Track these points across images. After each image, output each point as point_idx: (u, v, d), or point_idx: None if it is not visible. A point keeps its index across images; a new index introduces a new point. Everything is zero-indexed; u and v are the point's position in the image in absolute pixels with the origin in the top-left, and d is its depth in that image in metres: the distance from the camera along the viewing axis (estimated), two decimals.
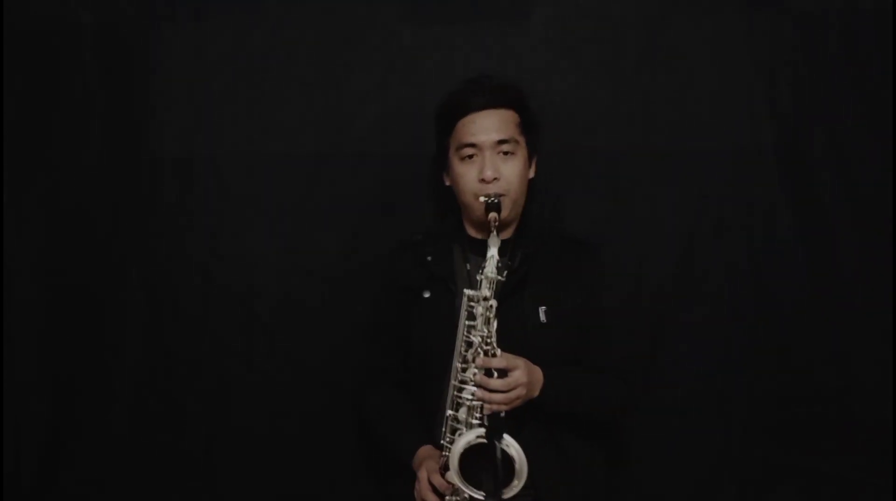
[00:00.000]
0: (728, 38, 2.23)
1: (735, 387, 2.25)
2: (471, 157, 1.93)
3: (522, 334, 1.88)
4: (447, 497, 1.80)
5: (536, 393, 1.83)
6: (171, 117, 2.29)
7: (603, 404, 1.97)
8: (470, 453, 1.75)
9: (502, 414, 1.78)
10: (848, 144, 2.22)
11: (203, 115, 2.28)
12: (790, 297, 2.24)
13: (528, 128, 1.99)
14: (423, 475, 1.84)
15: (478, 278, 1.80)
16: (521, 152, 1.96)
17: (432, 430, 1.90)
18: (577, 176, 2.27)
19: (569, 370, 1.92)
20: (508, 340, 1.84)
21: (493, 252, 1.80)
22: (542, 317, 1.91)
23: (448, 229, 2.06)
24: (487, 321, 1.78)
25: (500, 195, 1.89)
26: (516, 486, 1.72)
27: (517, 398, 1.78)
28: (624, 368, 2.00)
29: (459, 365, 1.82)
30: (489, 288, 1.78)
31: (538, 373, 1.83)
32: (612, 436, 2.09)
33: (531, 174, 2.02)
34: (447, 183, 2.03)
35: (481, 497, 1.70)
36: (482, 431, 1.75)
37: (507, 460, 1.72)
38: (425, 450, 1.90)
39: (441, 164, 2.04)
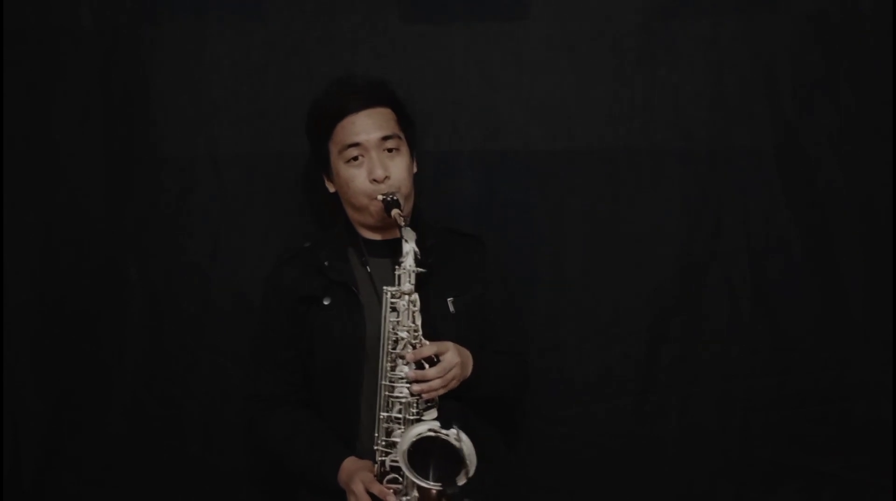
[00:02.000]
0: (728, 38, 2.23)
1: (735, 387, 2.25)
2: (356, 159, 1.92)
3: (435, 326, 1.87)
4: (391, 499, 1.74)
5: (469, 373, 1.84)
6: (171, 117, 2.29)
7: (516, 383, 2.05)
8: (418, 449, 1.71)
9: (436, 403, 1.78)
10: (848, 144, 2.22)
11: (203, 115, 2.28)
12: (790, 297, 2.24)
13: (406, 124, 2.00)
14: (358, 487, 1.77)
15: (396, 272, 1.80)
16: (405, 148, 1.97)
17: (351, 443, 1.87)
18: (577, 176, 2.27)
19: (488, 353, 1.95)
20: (424, 333, 1.83)
21: (411, 245, 1.80)
22: (451, 307, 1.93)
23: (339, 233, 2.02)
24: (412, 315, 1.79)
25: (395, 193, 1.88)
26: (469, 472, 1.67)
27: (454, 378, 1.79)
28: (522, 350, 2.07)
29: (388, 365, 1.81)
30: (409, 281, 1.79)
31: (465, 352, 1.85)
32: (507, 413, 2.15)
33: (415, 169, 2.02)
34: (332, 189, 2.01)
35: (438, 488, 1.65)
36: (428, 425, 1.73)
37: (452, 449, 1.70)
38: (350, 462, 1.84)
39: (322, 170, 2.02)
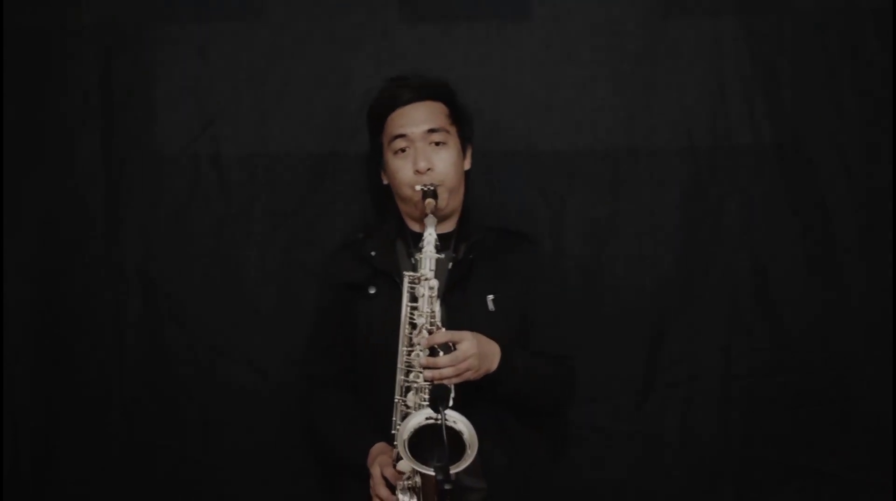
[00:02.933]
0: (728, 38, 2.23)
1: (735, 387, 2.25)
2: (403, 150, 1.95)
3: (472, 322, 1.87)
4: (399, 483, 1.77)
5: (494, 367, 1.83)
6: (171, 117, 2.29)
7: (554, 384, 1.99)
8: (422, 435, 1.72)
9: (450, 388, 1.75)
10: (848, 144, 2.22)
11: (204, 115, 2.28)
12: (790, 297, 2.24)
13: (459, 119, 2.01)
14: (375, 471, 1.83)
15: (417, 257, 1.82)
16: (454, 142, 1.97)
17: (387, 426, 1.87)
18: (577, 176, 2.27)
19: (522, 350, 1.93)
20: (460, 328, 1.83)
21: (430, 231, 1.83)
22: (490, 306, 1.93)
23: (390, 226, 2.05)
24: (430, 301, 1.80)
25: (436, 185, 1.89)
26: (469, 456, 1.67)
27: (468, 369, 1.77)
28: (567, 354, 2.02)
29: (405, 349, 1.82)
30: (430, 267, 1.80)
31: (493, 346, 1.84)
32: (553, 421, 2.12)
33: (467, 166, 2.03)
34: (385, 182, 2.04)
35: (430, 473, 1.64)
36: (427, 412, 1.73)
37: (455, 434, 1.69)
38: (378, 447, 1.89)
39: (377, 163, 2.04)
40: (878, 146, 2.22)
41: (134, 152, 2.30)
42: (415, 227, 2.00)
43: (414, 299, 1.82)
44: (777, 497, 2.25)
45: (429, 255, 1.82)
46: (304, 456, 2.28)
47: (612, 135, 2.25)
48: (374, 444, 1.90)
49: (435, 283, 1.80)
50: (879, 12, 2.21)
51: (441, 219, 1.93)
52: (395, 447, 1.81)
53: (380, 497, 1.81)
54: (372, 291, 1.95)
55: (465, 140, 2.02)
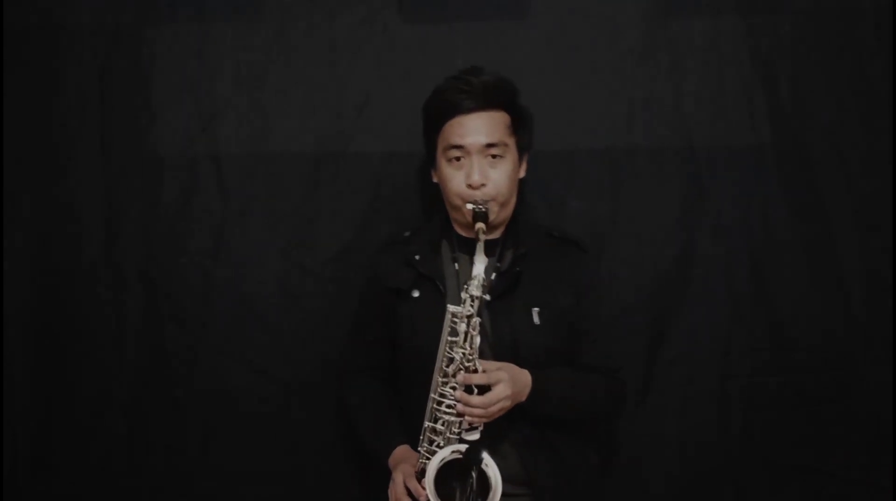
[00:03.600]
0: (728, 38, 2.23)
1: (735, 387, 2.25)
2: (458, 159, 1.91)
3: (515, 336, 1.87)
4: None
5: (524, 399, 1.82)
6: (171, 117, 2.29)
7: (594, 404, 1.97)
8: (446, 467, 1.75)
9: (479, 426, 1.77)
10: (848, 144, 2.22)
11: (203, 115, 2.28)
12: (790, 297, 2.24)
13: (519, 128, 1.96)
14: (399, 477, 1.83)
15: (462, 295, 1.78)
16: (511, 154, 1.94)
17: (417, 428, 1.87)
18: (577, 176, 2.27)
19: (559, 372, 1.91)
20: (501, 342, 1.85)
21: (478, 270, 1.77)
22: (536, 319, 1.90)
23: (436, 225, 2.03)
24: (470, 339, 1.77)
25: (488, 201, 1.87)
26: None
27: (499, 411, 1.77)
28: (616, 367, 2.00)
29: (440, 379, 1.81)
30: (472, 306, 1.76)
31: (524, 378, 1.82)
32: (606, 437, 2.11)
33: (521, 174, 2.00)
34: (435, 180, 2.01)
35: None
36: (459, 447, 1.75)
37: (484, 479, 1.72)
38: (402, 451, 1.89)
39: (429, 160, 2.02)
40: (878, 146, 2.22)
41: (133, 152, 2.30)
42: (460, 230, 1.99)
43: (454, 333, 1.79)
44: (777, 497, 2.25)
45: (473, 294, 1.76)
46: (304, 456, 2.28)
47: (612, 135, 2.25)
48: (398, 443, 1.91)
49: (476, 321, 1.77)
50: (879, 12, 2.21)
51: (489, 229, 1.88)
52: (418, 452, 1.83)
53: None
54: (415, 294, 1.94)
55: (522, 148, 1.98)
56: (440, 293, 1.92)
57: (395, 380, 2.02)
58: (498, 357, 1.86)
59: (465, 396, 1.75)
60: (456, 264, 1.96)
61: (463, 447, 1.76)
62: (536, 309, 1.90)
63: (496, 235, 1.97)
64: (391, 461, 1.90)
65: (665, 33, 2.24)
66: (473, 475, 1.70)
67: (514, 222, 2.00)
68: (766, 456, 2.25)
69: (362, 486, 2.23)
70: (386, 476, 1.90)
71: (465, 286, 1.78)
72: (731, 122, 2.24)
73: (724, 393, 2.25)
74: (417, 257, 1.96)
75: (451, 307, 1.80)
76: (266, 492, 2.29)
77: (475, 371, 1.77)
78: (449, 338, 1.80)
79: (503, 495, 1.76)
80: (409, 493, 1.80)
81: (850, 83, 2.22)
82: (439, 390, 1.80)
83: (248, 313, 2.28)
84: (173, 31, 2.28)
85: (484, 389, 1.76)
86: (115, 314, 2.30)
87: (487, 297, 1.81)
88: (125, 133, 2.29)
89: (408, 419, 1.92)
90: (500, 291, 1.89)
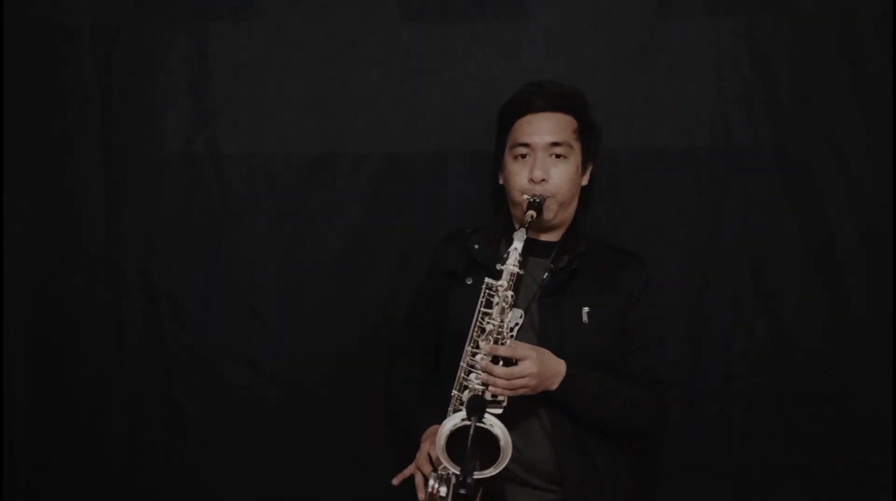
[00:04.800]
0: (728, 38, 2.23)
1: (735, 387, 2.25)
2: (524, 156, 1.97)
3: (563, 332, 1.91)
4: (439, 469, 1.82)
5: (554, 387, 1.84)
6: (171, 117, 2.29)
7: (630, 411, 1.95)
8: (462, 434, 1.74)
9: (502, 401, 1.80)
10: (848, 144, 2.22)
11: (204, 114, 2.28)
12: (790, 297, 2.24)
13: (585, 135, 2.02)
14: (424, 446, 1.90)
15: (498, 267, 1.86)
16: (574, 158, 1.99)
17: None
18: None
19: (597, 372, 1.91)
20: (549, 337, 1.89)
21: (516, 244, 1.85)
22: (585, 318, 1.93)
23: (499, 223, 2.08)
24: (502, 310, 1.83)
25: (546, 197, 1.92)
26: (501, 464, 1.73)
27: (522, 387, 1.80)
28: (660, 380, 1.99)
29: (470, 349, 1.86)
30: (508, 279, 1.83)
31: (558, 366, 1.85)
32: (645, 459, 2.11)
33: (585, 181, 2.04)
34: (500, 181, 2.06)
35: (456, 472, 1.72)
36: (462, 415, 1.76)
37: (491, 438, 1.73)
38: (433, 428, 1.91)
39: (497, 162, 2.07)
40: (878, 146, 2.22)
41: (133, 152, 2.30)
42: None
43: (489, 305, 1.85)
44: (777, 497, 2.25)
45: (509, 267, 1.84)
46: (304, 456, 2.28)
47: (611, 135, 2.24)
48: (433, 422, 1.93)
49: (509, 294, 1.83)
50: (879, 13, 2.21)
51: (548, 229, 1.98)
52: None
53: (421, 472, 1.87)
54: (469, 281, 1.98)
55: (587, 157, 2.04)
56: None
57: (440, 366, 2.04)
58: None
59: (490, 365, 1.80)
60: (498, 266, 1.96)
61: (462, 414, 1.76)
62: (586, 309, 1.94)
63: (554, 237, 2.01)
64: (423, 437, 1.94)
65: (665, 33, 2.24)
66: (471, 424, 1.68)
67: (573, 228, 2.04)
68: (766, 456, 2.25)
69: (363, 486, 2.23)
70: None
71: (503, 258, 1.86)
72: (731, 122, 2.24)
73: (724, 393, 2.25)
74: (476, 247, 2.01)
75: (488, 280, 1.87)
76: (266, 492, 2.29)
77: (503, 344, 1.82)
78: (483, 309, 1.86)
79: (533, 487, 1.82)
80: (431, 462, 1.86)
81: (850, 83, 2.22)
82: (468, 360, 1.86)
83: (248, 313, 2.28)
84: (173, 31, 2.28)
85: (510, 364, 1.80)
86: (115, 313, 2.30)
87: (522, 271, 1.86)
88: (125, 133, 2.29)
89: (448, 402, 1.93)
90: (553, 287, 1.93)
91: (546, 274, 1.95)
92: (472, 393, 1.82)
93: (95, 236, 2.29)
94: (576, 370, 1.86)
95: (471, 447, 1.66)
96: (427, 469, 1.86)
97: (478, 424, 1.69)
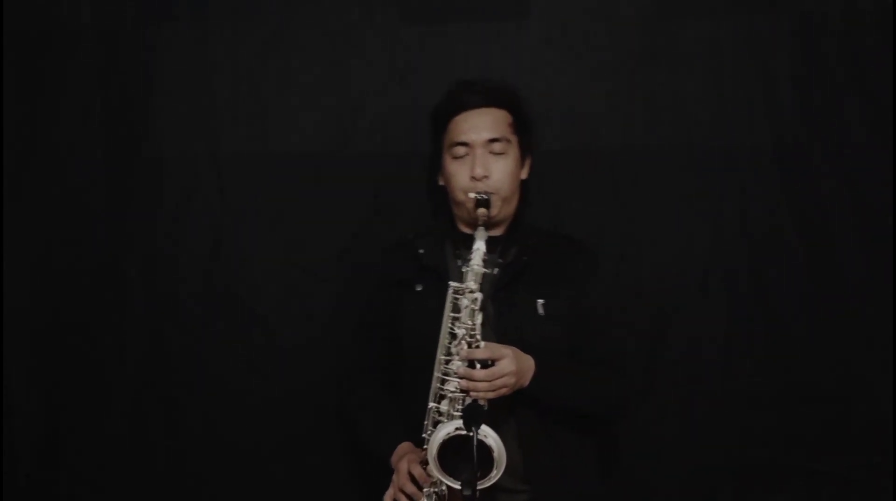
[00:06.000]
0: (728, 38, 2.23)
1: (735, 387, 2.25)
2: (463, 156, 1.95)
3: (521, 326, 1.89)
4: (425, 489, 1.78)
5: (527, 383, 1.82)
6: (171, 117, 2.29)
7: (598, 397, 1.96)
8: (450, 445, 1.73)
9: (483, 405, 1.75)
10: (848, 144, 2.22)
11: (203, 114, 2.28)
12: (790, 297, 2.24)
13: (522, 128, 2.00)
14: (403, 466, 1.83)
15: (463, 270, 1.83)
16: (513, 152, 1.97)
17: (417, 427, 1.86)
18: (577, 176, 2.27)
19: (563, 361, 1.92)
20: (507, 333, 1.86)
21: (479, 245, 1.83)
22: (540, 310, 1.92)
23: (441, 226, 2.06)
24: (472, 314, 1.79)
25: (490, 193, 1.90)
26: (494, 476, 1.70)
27: (503, 386, 1.77)
28: (620, 362, 2.00)
29: (443, 358, 1.82)
30: (475, 280, 1.80)
31: (528, 362, 1.83)
32: (605, 430, 2.11)
33: (524, 175, 2.03)
34: (441, 183, 2.04)
35: (457, 487, 1.67)
36: (461, 423, 1.73)
37: (485, 449, 1.70)
38: (405, 447, 1.90)
39: (436, 164, 2.04)
40: (878, 146, 2.22)
41: (133, 152, 2.30)
42: (464, 229, 2.00)
43: (457, 309, 1.81)
44: (777, 497, 2.25)
45: (475, 268, 1.81)
46: (304, 456, 2.28)
47: (612, 135, 2.25)
48: (401, 441, 1.91)
49: (479, 296, 1.80)
50: (879, 12, 2.21)
51: (492, 225, 1.94)
52: (423, 449, 1.81)
53: (405, 493, 1.81)
54: (419, 288, 1.96)
55: (525, 150, 2.02)
56: (443, 287, 1.90)
57: (398, 381, 2.01)
58: None
59: (469, 370, 1.76)
60: (459, 261, 1.96)
61: (457, 423, 1.74)
62: (541, 301, 1.92)
63: (499, 232, 1.99)
64: (393, 457, 1.89)
65: (665, 33, 2.24)
66: (473, 435, 1.65)
67: (516, 222, 2.02)
68: (766, 456, 2.25)
69: (362, 486, 2.23)
70: (383, 476, 1.89)
71: (468, 259, 1.82)
72: (731, 122, 2.24)
73: (724, 393, 2.25)
74: (421, 251, 1.99)
75: (452, 284, 1.83)
76: (266, 492, 2.29)
77: (477, 347, 1.78)
78: (451, 314, 1.82)
79: (503, 490, 1.76)
80: (413, 480, 1.80)
81: (849, 83, 2.21)
82: (442, 368, 1.82)
83: (248, 313, 2.28)
84: (173, 31, 2.28)
85: (487, 366, 1.77)
86: (116, 314, 2.30)
87: (488, 270, 1.84)
88: (125, 133, 2.29)
89: (410, 418, 1.91)
90: (505, 282, 1.91)
91: (496, 269, 1.92)
92: (469, 402, 1.75)
93: (96, 235, 2.29)
94: (544, 363, 1.85)
95: (472, 457, 1.63)
96: (410, 488, 1.80)
97: (474, 432, 1.65)
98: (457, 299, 1.82)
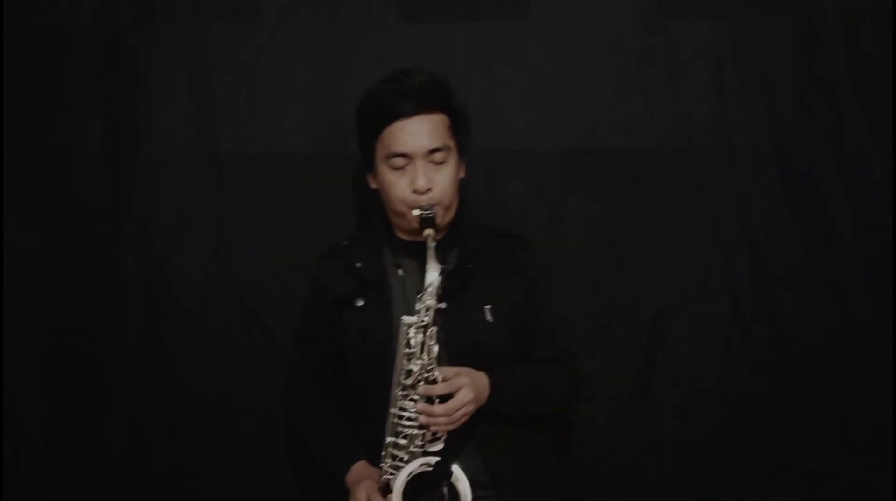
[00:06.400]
0: (728, 38, 2.23)
1: (735, 387, 2.25)
2: (402, 167, 1.86)
3: (470, 335, 1.86)
4: None
5: (484, 401, 1.80)
6: (171, 117, 2.29)
7: (553, 397, 1.97)
8: (413, 481, 1.73)
9: (442, 436, 1.75)
10: (848, 144, 2.22)
11: (203, 114, 2.28)
12: (790, 297, 2.24)
13: (458, 129, 1.92)
14: (361, 494, 1.78)
15: (417, 306, 1.76)
16: (453, 157, 1.90)
17: (370, 442, 1.85)
18: (577, 176, 2.27)
19: (515, 369, 1.90)
20: (457, 343, 1.83)
21: (431, 278, 1.74)
22: (489, 316, 1.88)
23: (377, 232, 1.99)
24: (427, 349, 1.74)
25: (434, 205, 1.84)
26: None
27: (463, 416, 1.75)
28: (569, 357, 2.00)
29: (399, 393, 1.77)
30: (427, 316, 1.74)
31: (483, 381, 1.80)
32: (563, 428, 2.14)
33: (462, 174, 1.96)
34: (373, 186, 1.96)
35: None
36: (427, 459, 1.73)
37: (454, 494, 1.71)
38: (361, 467, 1.86)
39: (366, 165, 1.96)
40: (878, 146, 2.22)
41: (133, 152, 2.29)
42: (403, 236, 1.95)
43: (410, 345, 1.75)
44: (777, 496, 2.25)
45: (428, 304, 1.74)
46: (303, 456, 2.27)
47: (612, 135, 2.25)
48: (356, 458, 1.88)
49: (434, 330, 1.75)
50: (879, 12, 2.21)
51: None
52: (383, 475, 1.79)
53: None
54: (359, 303, 1.90)
55: (462, 150, 1.95)
56: (385, 300, 1.89)
57: (344, 394, 1.98)
58: (456, 359, 1.83)
59: (428, 407, 1.72)
60: (400, 271, 1.93)
61: (432, 459, 1.74)
62: (489, 307, 1.88)
63: (440, 236, 1.92)
64: (350, 477, 1.86)
65: (665, 34, 2.24)
66: (445, 491, 1.69)
67: (456, 223, 1.96)
68: (766, 456, 2.25)
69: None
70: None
71: (419, 296, 1.75)
72: (731, 122, 2.24)
73: (724, 393, 2.25)
74: (359, 265, 1.92)
75: (405, 319, 1.76)
76: (266, 492, 2.29)
77: (434, 381, 1.74)
78: (405, 351, 1.76)
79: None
80: None
81: (849, 83, 2.21)
82: (399, 404, 1.77)
83: (247, 313, 2.28)
84: (173, 31, 2.27)
85: (445, 397, 1.74)
86: (116, 314, 2.30)
87: (443, 305, 1.78)
88: (125, 133, 2.29)
89: (362, 434, 1.90)
90: (451, 291, 1.85)
91: (440, 277, 1.84)
92: (416, 436, 1.74)
93: (95, 235, 2.29)
94: (498, 376, 1.83)
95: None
96: None
97: (446, 479, 1.69)
98: (410, 335, 1.75)
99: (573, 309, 2.25)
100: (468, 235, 1.95)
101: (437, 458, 1.73)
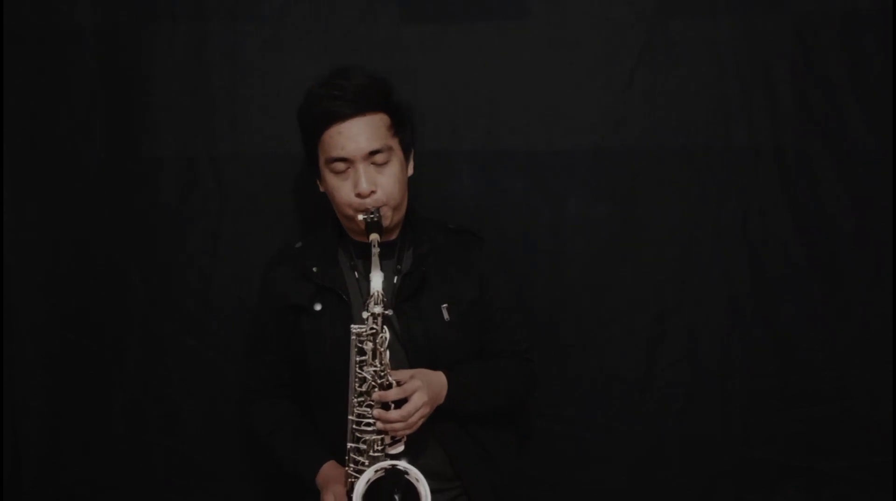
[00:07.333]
0: (728, 38, 2.23)
1: (735, 387, 2.25)
2: (344, 171, 1.84)
3: (429, 335, 1.86)
4: None
5: (442, 400, 1.82)
6: (171, 117, 2.29)
7: (508, 391, 1.99)
8: (375, 485, 1.74)
9: (402, 438, 1.76)
10: (848, 144, 2.22)
11: (203, 115, 2.28)
12: (790, 297, 2.24)
13: (400, 127, 1.90)
14: (328, 496, 1.80)
15: (363, 315, 1.75)
16: (397, 156, 1.88)
17: (333, 444, 1.85)
18: (577, 176, 2.26)
19: (472, 368, 1.91)
20: (416, 343, 1.84)
21: (376, 284, 1.73)
22: (446, 315, 1.89)
23: (330, 234, 1.98)
24: (379, 356, 1.74)
25: (379, 207, 1.83)
26: None
27: (420, 419, 1.76)
28: (525, 349, 2.02)
29: (355, 400, 1.77)
30: (375, 324, 1.74)
31: (440, 381, 1.82)
32: (520, 417, 2.17)
33: (410, 172, 1.95)
34: (322, 189, 1.95)
35: None
36: (383, 464, 1.74)
37: (415, 494, 1.72)
38: (329, 467, 1.87)
39: (312, 169, 1.95)
40: (878, 146, 2.22)
41: (133, 152, 2.29)
42: (356, 238, 1.94)
43: (362, 352, 1.75)
44: (777, 497, 2.25)
45: (374, 311, 1.73)
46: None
47: (612, 135, 2.25)
48: (322, 459, 1.89)
49: (384, 337, 1.74)
50: (879, 13, 2.21)
51: (384, 231, 1.84)
52: (348, 478, 1.79)
53: None
54: (317, 307, 1.89)
55: (406, 147, 1.92)
56: (344, 303, 1.88)
57: (303, 398, 1.98)
58: (414, 359, 1.85)
59: (383, 413, 1.73)
60: (356, 273, 1.93)
61: (387, 464, 1.74)
62: (445, 306, 1.89)
63: (393, 236, 1.93)
64: (319, 479, 1.86)
65: (665, 33, 2.24)
66: (396, 498, 1.70)
67: (409, 222, 1.96)
68: (766, 456, 2.25)
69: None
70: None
71: (366, 305, 1.74)
72: (731, 122, 2.24)
73: (724, 393, 2.25)
74: (315, 270, 1.90)
75: (354, 328, 1.76)
76: (265, 491, 2.29)
77: (389, 386, 1.75)
78: (357, 358, 1.76)
79: (433, 491, 1.74)
80: None
81: (849, 84, 2.21)
82: (356, 410, 1.77)
83: (247, 313, 2.28)
84: (173, 31, 2.27)
85: (402, 401, 1.74)
86: (116, 314, 2.30)
87: (389, 312, 1.78)
88: (125, 133, 2.29)
89: (324, 437, 1.91)
90: (408, 293, 1.86)
91: (396, 278, 1.87)
92: (374, 441, 1.76)
93: (96, 236, 2.29)
94: (455, 376, 1.84)
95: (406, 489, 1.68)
96: None
97: (404, 476, 1.71)
98: (361, 343, 1.75)
99: (572, 309, 2.26)
100: (421, 234, 1.95)
101: (391, 463, 1.74)
